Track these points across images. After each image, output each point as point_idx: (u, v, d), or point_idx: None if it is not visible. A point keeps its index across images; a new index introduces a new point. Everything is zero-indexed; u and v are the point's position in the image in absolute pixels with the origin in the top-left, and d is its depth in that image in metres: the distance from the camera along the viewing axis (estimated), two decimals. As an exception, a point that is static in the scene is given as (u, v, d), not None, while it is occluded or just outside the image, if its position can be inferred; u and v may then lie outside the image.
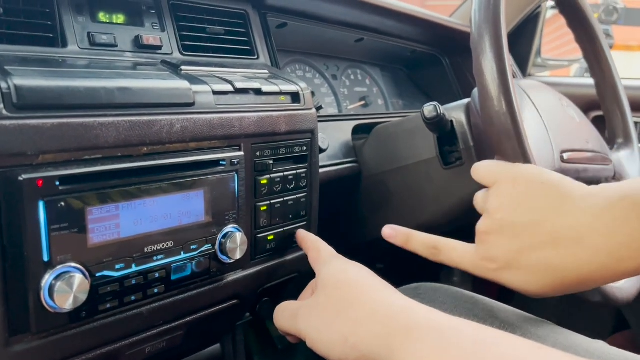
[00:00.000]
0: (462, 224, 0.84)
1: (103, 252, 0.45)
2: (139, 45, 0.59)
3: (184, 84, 0.52)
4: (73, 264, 0.43)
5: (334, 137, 0.81)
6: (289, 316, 0.51)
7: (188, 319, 0.55)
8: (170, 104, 0.50)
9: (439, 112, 0.69)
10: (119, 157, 0.47)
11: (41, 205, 0.41)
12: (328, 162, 0.77)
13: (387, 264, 1.14)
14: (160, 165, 0.48)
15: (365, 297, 0.46)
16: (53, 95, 0.43)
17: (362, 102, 1.05)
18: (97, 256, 0.44)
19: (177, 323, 0.54)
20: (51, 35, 0.53)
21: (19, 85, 0.41)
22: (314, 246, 0.58)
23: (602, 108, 0.88)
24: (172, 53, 0.62)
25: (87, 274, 0.43)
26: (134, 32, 0.60)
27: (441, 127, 0.71)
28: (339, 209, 0.88)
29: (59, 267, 0.42)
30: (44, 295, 0.41)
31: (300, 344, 0.97)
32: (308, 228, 0.67)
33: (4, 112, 0.40)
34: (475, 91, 0.73)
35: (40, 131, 0.41)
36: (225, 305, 0.58)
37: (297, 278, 0.67)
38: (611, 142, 0.84)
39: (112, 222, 0.45)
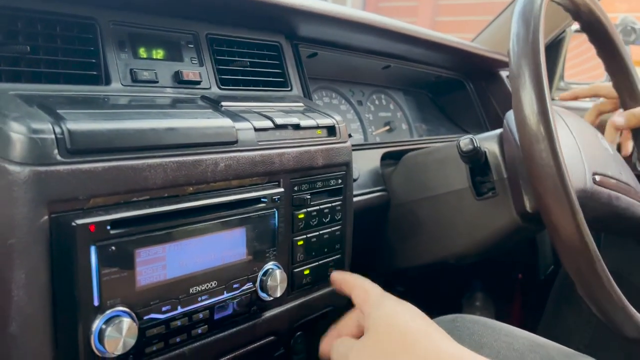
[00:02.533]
0: (491, 255, 0.83)
1: (150, 295, 0.45)
2: (179, 81, 0.59)
3: (227, 122, 0.52)
4: (122, 308, 0.43)
5: (363, 166, 0.81)
6: (342, 353, 0.51)
7: (228, 356, 0.54)
8: (215, 143, 0.50)
9: (475, 145, 0.69)
10: (166, 197, 0.47)
11: (93, 250, 0.41)
12: (358, 192, 0.77)
13: (407, 287, 1.14)
14: (205, 205, 0.48)
15: (418, 344, 0.46)
16: (104, 139, 0.43)
17: (387, 128, 1.05)
18: (144, 299, 0.44)
19: (210, 363, 0.53)
20: (95, 73, 0.53)
21: (72, 129, 0.41)
22: (358, 285, 0.57)
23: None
24: (210, 87, 0.63)
25: (134, 317, 0.43)
26: (174, 67, 0.60)
27: (476, 159, 0.71)
28: (367, 237, 0.88)
29: (108, 311, 0.42)
30: (94, 340, 0.41)
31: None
32: (342, 261, 0.66)
33: (58, 157, 0.40)
34: (509, 118, 0.73)
35: (92, 175, 0.41)
36: (263, 342, 0.58)
37: (331, 312, 0.67)
38: None
39: (159, 264, 0.45)
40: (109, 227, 0.42)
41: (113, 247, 0.42)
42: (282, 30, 0.73)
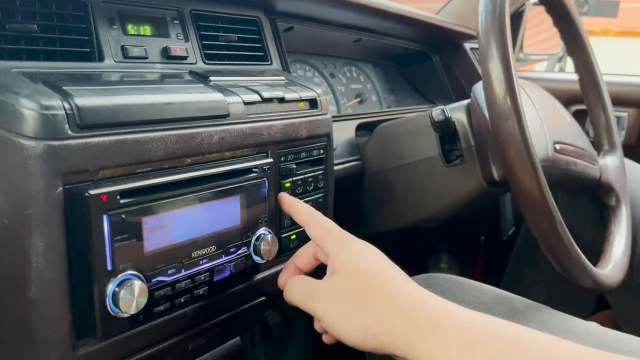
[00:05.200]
0: (459, 218, 0.90)
1: (157, 259, 0.48)
2: (167, 56, 0.62)
3: (219, 96, 0.55)
4: (132, 272, 0.46)
5: (339, 137, 0.85)
6: (304, 294, 0.52)
7: (224, 316, 0.59)
8: (209, 117, 0.53)
9: (446, 115, 0.74)
10: (167, 168, 0.50)
11: (105, 218, 0.44)
12: (336, 162, 0.81)
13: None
14: (203, 175, 0.52)
15: (386, 288, 0.48)
16: (110, 114, 0.45)
17: (358, 99, 1.09)
18: (152, 263, 0.47)
19: (215, 321, 0.57)
20: (88, 50, 0.55)
21: (80, 105, 0.43)
22: (316, 221, 0.55)
23: (585, 103, 0.93)
24: (196, 62, 0.65)
25: (144, 280, 0.47)
26: (161, 43, 0.62)
27: (446, 128, 0.76)
28: (342, 205, 0.92)
29: (120, 275, 0.45)
30: (109, 302, 0.44)
31: (296, 332, 1.01)
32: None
33: (69, 132, 0.42)
34: (476, 90, 0.78)
35: (100, 148, 0.44)
36: (256, 301, 0.62)
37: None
38: (597, 147, 0.90)
39: (164, 231, 0.48)
40: (118, 197, 0.44)
41: (123, 216, 0.45)
42: (260, 5, 0.76)
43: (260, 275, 0.61)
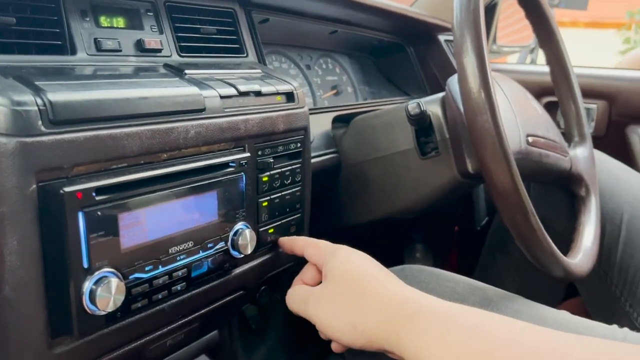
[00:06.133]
0: (434, 209, 0.91)
1: (134, 256, 0.47)
2: (141, 49, 0.61)
3: (194, 90, 0.55)
4: (109, 269, 0.45)
5: (315, 129, 0.85)
6: (300, 300, 0.56)
7: (202, 311, 0.58)
8: (185, 111, 0.53)
9: (422, 108, 0.74)
10: (142, 164, 0.49)
11: (80, 215, 0.43)
12: (313, 154, 0.81)
13: (352, 242, 1.21)
14: (179, 171, 0.51)
15: (371, 288, 0.52)
16: (83, 110, 0.44)
17: (334, 91, 1.09)
18: (129, 260, 0.47)
19: (193, 316, 0.57)
20: (60, 43, 0.54)
21: (53, 101, 0.42)
22: (309, 243, 0.61)
23: (556, 95, 0.94)
24: (171, 55, 0.64)
25: (121, 277, 0.46)
26: (135, 35, 0.61)
27: (421, 121, 0.77)
28: (319, 197, 0.93)
29: (97, 272, 0.45)
30: (85, 300, 0.44)
31: (273, 324, 1.02)
32: (302, 220, 0.71)
33: (42, 128, 0.42)
34: (451, 83, 0.79)
35: (74, 145, 0.43)
36: (233, 296, 0.62)
37: (293, 266, 0.72)
38: (568, 138, 0.92)
39: (140, 227, 0.48)
40: (94, 194, 0.44)
41: (99, 213, 0.44)
42: (236, -2, 0.75)
43: (238, 270, 0.61)
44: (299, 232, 0.70)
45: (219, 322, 0.71)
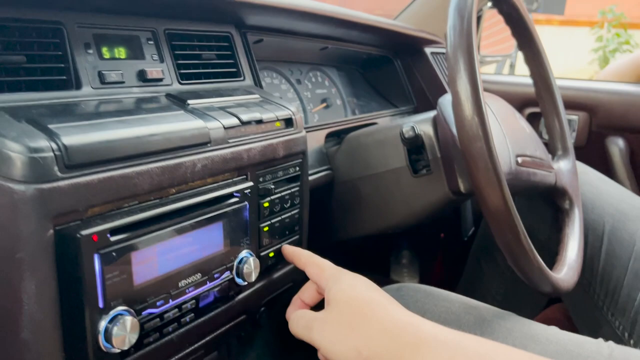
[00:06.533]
0: (425, 223, 0.93)
1: (146, 292, 0.49)
2: (143, 79, 0.61)
3: (200, 124, 0.56)
4: (123, 307, 0.46)
5: (309, 146, 0.86)
6: (304, 326, 0.56)
7: (208, 338, 0.60)
8: (192, 145, 0.54)
9: (416, 132, 0.76)
10: (153, 201, 0.50)
11: (97, 257, 0.44)
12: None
13: (342, 250, 1.23)
14: (187, 205, 0.52)
15: (375, 314, 0.53)
16: (96, 152, 0.45)
17: (324, 104, 1.10)
18: (141, 296, 0.48)
19: (199, 343, 0.59)
20: (65, 78, 0.54)
21: (68, 145, 0.43)
22: (312, 262, 0.62)
23: (540, 109, 0.97)
24: (172, 84, 0.65)
25: (134, 314, 0.47)
26: (137, 65, 0.61)
27: (414, 142, 0.79)
28: (313, 213, 0.94)
29: (112, 311, 0.46)
30: (102, 339, 0.45)
31: (261, 332, 1.03)
32: (300, 240, 0.73)
33: (59, 173, 0.42)
34: (442, 104, 0.81)
35: (89, 187, 0.44)
36: (236, 321, 0.64)
37: (292, 287, 0.73)
38: (552, 151, 0.95)
39: (151, 263, 0.49)
40: (109, 235, 0.45)
41: (113, 253, 0.45)
42: (232, 21, 0.76)
43: (241, 296, 0.62)
44: (297, 253, 0.72)
45: (220, 344, 0.73)
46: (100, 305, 0.45)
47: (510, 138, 0.79)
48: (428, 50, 1.21)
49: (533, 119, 1.22)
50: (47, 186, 0.41)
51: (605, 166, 1.14)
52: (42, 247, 0.42)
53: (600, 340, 0.70)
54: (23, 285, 0.42)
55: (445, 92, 1.19)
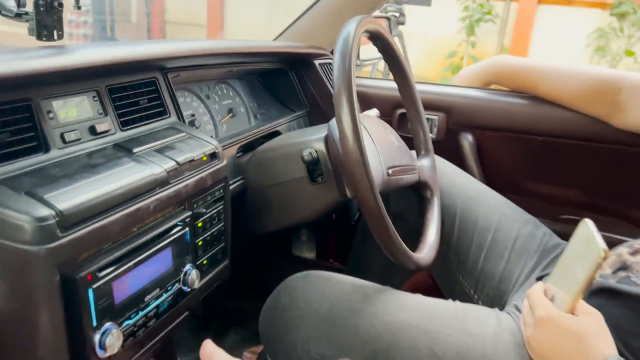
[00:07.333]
0: (321, 218, 1.15)
1: (124, 309, 0.65)
2: (94, 133, 0.75)
3: (150, 172, 0.71)
4: (109, 323, 0.63)
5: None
6: None
7: (164, 332, 0.77)
8: (146, 192, 0.70)
9: (314, 156, 0.97)
10: (120, 239, 0.66)
11: (90, 291, 0.60)
12: (225, 186, 1.00)
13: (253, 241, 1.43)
14: (147, 239, 0.69)
15: None
16: (83, 212, 0.60)
17: (231, 114, 1.27)
18: (121, 312, 0.65)
19: (158, 337, 0.76)
20: (36, 144, 0.67)
21: (64, 211, 0.58)
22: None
23: (407, 117, 1.21)
24: (115, 132, 0.79)
25: (117, 326, 0.64)
26: (87, 123, 0.75)
27: (312, 162, 1.00)
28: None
29: (102, 327, 0.62)
30: (97, 348, 0.62)
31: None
32: (225, 248, 0.91)
33: (60, 234, 0.57)
34: (331, 126, 1.02)
35: (81, 239, 0.60)
36: (183, 317, 0.82)
37: (221, 284, 0.92)
38: (417, 151, 1.20)
39: (125, 286, 0.66)
40: (98, 273, 0.61)
41: (101, 285, 0.61)
42: (157, 68, 0.90)
43: (186, 298, 0.80)
44: (224, 257, 0.91)
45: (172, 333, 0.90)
46: (94, 324, 0.61)
47: (382, 153, 1.02)
48: (317, 62, 1.41)
49: (403, 119, 1.47)
50: (52, 245, 0.57)
51: (459, 157, 1.43)
52: (52, 289, 0.57)
53: (450, 300, 0.97)
54: (39, 317, 0.57)
55: (331, 97, 1.40)
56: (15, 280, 0.56)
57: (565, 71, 1.35)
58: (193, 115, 1.14)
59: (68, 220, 0.58)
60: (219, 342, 0.68)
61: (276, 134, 1.25)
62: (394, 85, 1.20)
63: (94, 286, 0.60)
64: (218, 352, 0.63)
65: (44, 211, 0.57)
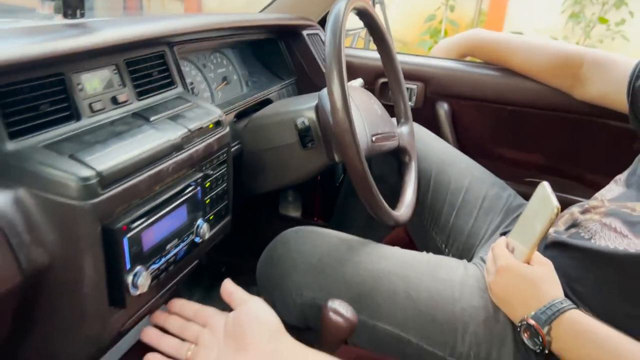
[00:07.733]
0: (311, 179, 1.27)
1: (150, 255, 0.77)
2: (116, 103, 0.85)
3: (168, 138, 0.82)
4: (140, 266, 0.75)
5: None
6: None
7: (179, 277, 0.90)
8: (165, 155, 0.80)
9: (306, 124, 1.08)
10: (146, 196, 0.77)
11: (125, 240, 0.71)
12: (225, 150, 1.11)
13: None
14: (168, 197, 0.80)
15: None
16: (118, 173, 0.71)
17: (225, 82, 1.36)
18: (148, 257, 0.77)
19: (175, 280, 0.88)
20: (69, 113, 0.77)
21: (102, 172, 0.68)
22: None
23: (389, 87, 1.33)
24: (132, 102, 0.88)
25: (146, 269, 0.76)
26: (109, 94, 0.84)
27: (304, 129, 1.11)
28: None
29: (135, 269, 0.74)
30: (130, 287, 0.73)
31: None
32: (228, 205, 1.03)
33: (100, 191, 0.68)
34: (322, 96, 1.12)
35: (116, 197, 0.71)
36: (194, 264, 0.94)
37: (224, 238, 1.04)
38: (397, 118, 1.32)
39: (152, 236, 0.77)
40: (131, 225, 0.72)
41: (134, 235, 0.73)
42: (165, 43, 0.99)
43: (197, 248, 0.92)
44: (226, 213, 1.02)
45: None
46: (128, 267, 0.73)
47: (367, 122, 1.14)
48: (305, 32, 1.50)
49: (384, 87, 1.58)
50: (95, 200, 0.67)
51: (435, 124, 1.55)
52: (95, 238, 0.68)
53: (424, 252, 1.11)
54: (85, 261, 0.68)
55: (318, 67, 1.51)
56: (64, 230, 0.67)
57: (533, 46, 1.47)
58: (192, 83, 1.24)
59: (106, 180, 0.69)
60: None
61: (268, 101, 1.36)
62: (377, 55, 1.30)
63: (128, 235, 0.72)
64: (237, 289, 0.76)
65: (87, 172, 0.67)
